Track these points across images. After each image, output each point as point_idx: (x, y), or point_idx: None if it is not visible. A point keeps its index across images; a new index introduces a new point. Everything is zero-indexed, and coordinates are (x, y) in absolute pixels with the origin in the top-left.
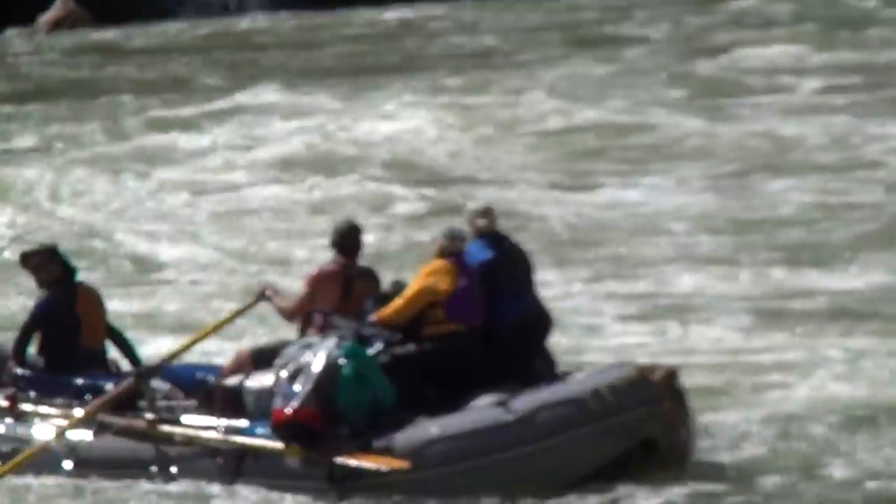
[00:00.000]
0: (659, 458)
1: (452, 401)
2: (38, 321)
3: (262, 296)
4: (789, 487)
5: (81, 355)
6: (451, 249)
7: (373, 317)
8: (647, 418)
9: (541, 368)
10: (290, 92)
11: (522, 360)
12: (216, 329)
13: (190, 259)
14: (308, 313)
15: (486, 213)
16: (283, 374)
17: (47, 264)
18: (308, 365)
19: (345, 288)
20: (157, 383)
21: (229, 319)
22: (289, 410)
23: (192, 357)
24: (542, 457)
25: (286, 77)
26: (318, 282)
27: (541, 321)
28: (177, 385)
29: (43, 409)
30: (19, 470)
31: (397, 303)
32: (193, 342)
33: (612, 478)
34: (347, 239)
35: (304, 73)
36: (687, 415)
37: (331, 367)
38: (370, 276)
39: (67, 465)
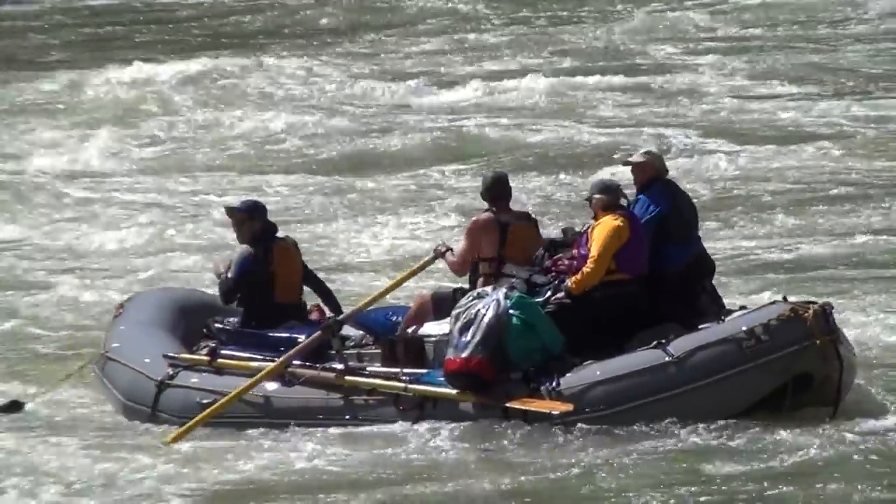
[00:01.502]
0: (813, 393)
1: (618, 345)
2: (239, 278)
3: (439, 253)
4: None
5: (277, 310)
6: (613, 203)
7: (572, 285)
8: (801, 355)
9: (707, 309)
10: None
11: (685, 303)
12: (397, 285)
13: None
14: (474, 264)
15: (656, 159)
16: (457, 324)
17: (248, 221)
18: (479, 316)
19: (502, 233)
20: (350, 330)
21: (409, 276)
22: (460, 360)
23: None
24: (699, 396)
25: None
26: (476, 231)
27: (704, 267)
28: (367, 330)
29: (240, 362)
30: (213, 419)
31: (590, 268)
32: (376, 298)
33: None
34: (496, 188)
35: None
36: (841, 350)
37: (500, 318)
38: (527, 219)
39: (263, 415)
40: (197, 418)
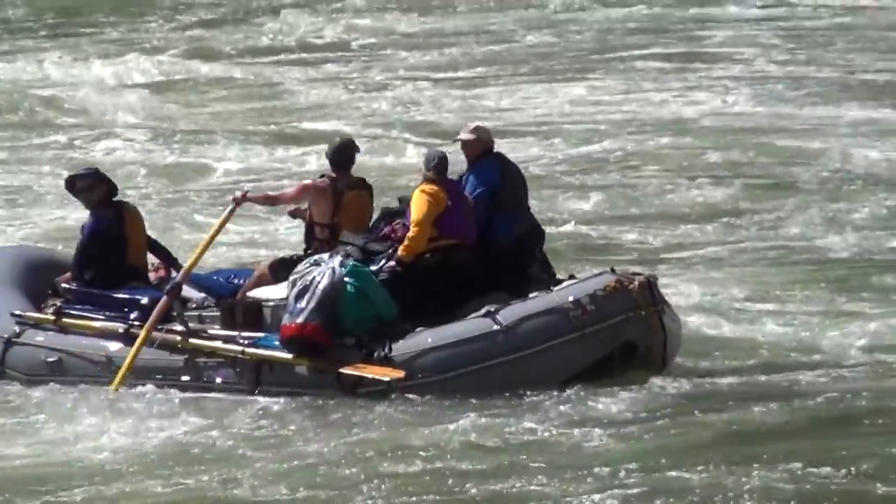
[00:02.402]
0: (639, 361)
1: (450, 313)
2: (93, 240)
3: (237, 200)
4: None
5: (127, 271)
6: (433, 175)
7: (402, 252)
8: (626, 324)
9: (538, 277)
10: None
11: (516, 272)
12: (211, 241)
13: None
14: (309, 228)
15: (482, 132)
16: (294, 290)
17: (96, 186)
18: (314, 283)
19: (336, 200)
20: (193, 293)
21: (218, 230)
22: (295, 325)
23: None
24: (527, 363)
25: None
26: (306, 191)
27: (534, 236)
28: (209, 292)
29: (83, 322)
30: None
31: (412, 234)
32: (199, 255)
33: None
34: (342, 153)
35: None
36: (665, 320)
37: (335, 286)
38: (363, 187)
39: (101, 371)
40: None
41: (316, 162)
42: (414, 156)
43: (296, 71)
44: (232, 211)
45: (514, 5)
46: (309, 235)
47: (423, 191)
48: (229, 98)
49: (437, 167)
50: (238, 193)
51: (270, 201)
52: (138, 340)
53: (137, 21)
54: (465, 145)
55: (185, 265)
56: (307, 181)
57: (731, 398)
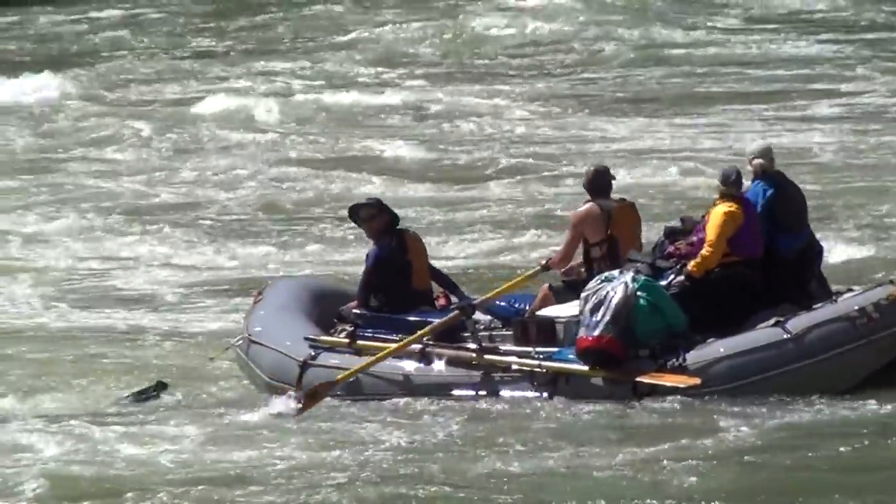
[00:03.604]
0: None
1: (737, 324)
2: (378, 267)
3: (544, 267)
4: None
5: (413, 296)
6: (728, 191)
7: (693, 268)
8: None
9: (816, 293)
10: None
11: (797, 287)
12: (512, 287)
13: None
14: (586, 251)
15: (765, 153)
16: (587, 305)
17: (378, 215)
18: (608, 297)
19: (606, 217)
20: (478, 315)
21: (521, 282)
22: (591, 338)
23: None
24: (816, 370)
25: None
26: (578, 221)
27: (813, 252)
28: (494, 315)
29: (378, 343)
30: (355, 397)
31: (708, 251)
32: (501, 291)
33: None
34: (597, 180)
35: None
36: None
37: (628, 300)
38: (626, 203)
39: (399, 391)
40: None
41: None
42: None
43: None
44: (536, 272)
45: None
46: (587, 257)
47: (723, 210)
48: None
49: (735, 183)
50: (543, 262)
51: (563, 261)
52: (402, 342)
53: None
54: (754, 164)
55: (487, 295)
56: (573, 215)
57: None
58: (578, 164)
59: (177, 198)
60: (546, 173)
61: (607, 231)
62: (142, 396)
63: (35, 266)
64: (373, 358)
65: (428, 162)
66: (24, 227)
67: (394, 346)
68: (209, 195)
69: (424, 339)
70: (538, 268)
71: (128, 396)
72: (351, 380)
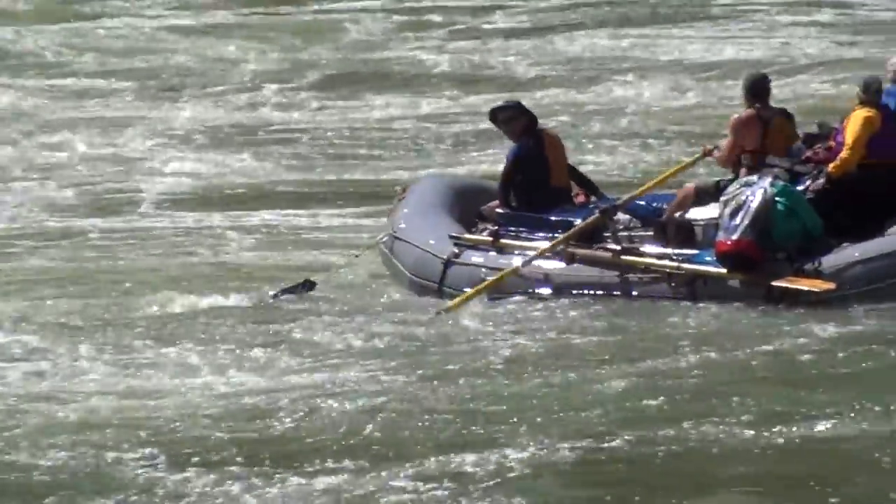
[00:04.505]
0: None
1: (874, 229)
2: (517, 166)
3: (706, 151)
4: None
5: (552, 193)
6: (868, 98)
7: (832, 170)
8: None
9: None
10: None
11: None
12: (669, 177)
13: None
14: (738, 156)
15: None
16: (726, 209)
17: (517, 117)
18: (747, 202)
19: (763, 127)
20: (619, 215)
21: (679, 170)
22: (730, 242)
23: None
24: None
25: None
26: (738, 126)
27: None
28: (635, 216)
29: (521, 242)
30: (496, 292)
31: (847, 153)
32: (649, 188)
33: None
34: (757, 86)
35: None
36: None
37: (766, 204)
38: (785, 115)
39: (541, 290)
40: (474, 290)
41: None
42: None
43: None
44: (698, 159)
45: None
46: (736, 162)
47: (861, 115)
48: None
49: (876, 92)
50: (708, 145)
51: (723, 162)
52: (538, 251)
53: None
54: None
55: (633, 193)
56: (733, 119)
57: None
58: None
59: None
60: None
61: (763, 141)
62: (289, 293)
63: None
64: (517, 265)
65: None
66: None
67: (539, 247)
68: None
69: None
70: (701, 154)
71: (276, 293)
72: (491, 277)
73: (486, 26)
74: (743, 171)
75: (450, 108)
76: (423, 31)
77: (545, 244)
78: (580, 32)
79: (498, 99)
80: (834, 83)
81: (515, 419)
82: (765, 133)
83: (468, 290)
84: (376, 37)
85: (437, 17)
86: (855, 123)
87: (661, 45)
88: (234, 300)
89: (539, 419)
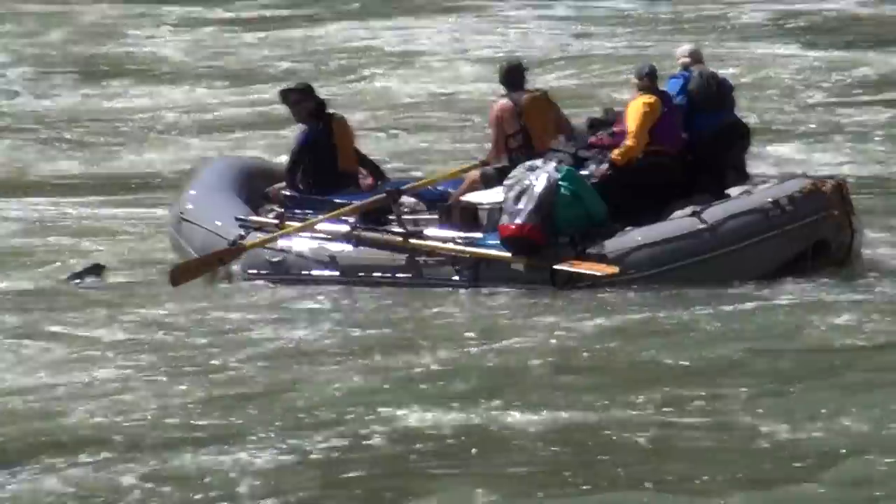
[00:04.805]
0: (829, 257)
1: (655, 214)
2: (304, 149)
3: (483, 163)
4: None
5: (339, 177)
6: (645, 85)
7: (616, 157)
8: (820, 223)
9: (734, 182)
10: None
11: (716, 174)
12: (449, 177)
13: None
14: (505, 143)
15: (693, 53)
16: (511, 193)
17: (305, 100)
18: (531, 186)
19: (517, 109)
20: (405, 199)
21: (458, 173)
22: (514, 226)
23: None
24: (730, 259)
25: None
26: (495, 117)
27: (734, 136)
28: (421, 200)
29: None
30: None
31: (632, 141)
32: (432, 181)
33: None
34: (513, 73)
35: None
36: (854, 220)
37: (550, 189)
38: (542, 95)
39: (326, 272)
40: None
41: None
42: None
43: None
44: (472, 167)
45: None
46: (506, 148)
47: (641, 102)
48: None
49: (649, 76)
50: (482, 159)
51: (495, 156)
52: (330, 213)
53: None
54: (680, 63)
55: (411, 184)
56: (490, 113)
57: None
58: None
59: None
60: None
61: (520, 123)
62: (77, 278)
63: None
64: (295, 226)
65: None
66: None
67: (318, 218)
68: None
69: (352, 221)
70: (477, 163)
71: (69, 277)
72: (277, 259)
73: (227, 14)
74: (514, 153)
75: (190, 97)
76: (160, 20)
77: (331, 226)
78: (321, 23)
79: (239, 90)
80: (575, 76)
81: (265, 413)
82: (525, 116)
83: (257, 274)
84: (111, 23)
85: (173, 7)
86: (636, 111)
87: (403, 36)
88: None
89: (289, 414)
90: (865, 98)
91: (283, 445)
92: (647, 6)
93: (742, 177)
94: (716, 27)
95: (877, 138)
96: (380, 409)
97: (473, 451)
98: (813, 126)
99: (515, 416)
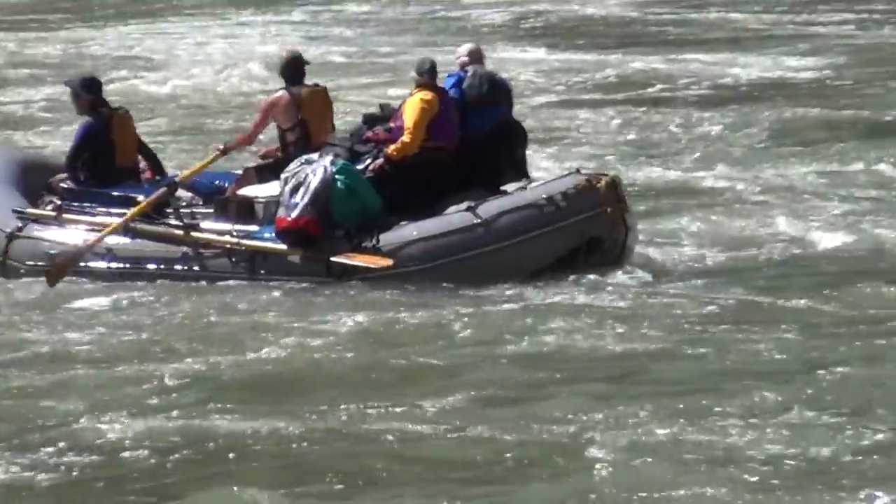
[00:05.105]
0: (603, 253)
1: (431, 208)
2: (84, 142)
3: (223, 152)
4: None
5: (118, 172)
6: (424, 81)
7: (393, 152)
8: (594, 220)
9: (512, 179)
10: None
11: (492, 170)
12: (203, 167)
13: None
14: (281, 136)
15: (472, 52)
16: (287, 186)
17: (81, 94)
18: (307, 180)
19: (296, 102)
20: (181, 192)
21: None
22: (290, 219)
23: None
24: (504, 254)
25: None
26: (268, 107)
27: (511, 135)
28: (198, 193)
29: (84, 217)
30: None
31: (409, 138)
32: (196, 171)
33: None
34: (292, 65)
35: None
36: (627, 217)
37: (326, 182)
38: (319, 89)
39: (104, 265)
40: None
41: None
42: None
43: None
44: (215, 159)
45: None
46: (283, 142)
47: (419, 98)
48: None
49: (429, 72)
50: (221, 146)
51: (247, 141)
52: (108, 228)
53: None
54: (459, 62)
55: (181, 174)
56: (265, 101)
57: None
58: None
59: None
60: None
61: (298, 116)
62: None
63: None
64: (101, 233)
65: None
66: None
67: (103, 222)
68: None
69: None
70: (217, 153)
71: None
72: (56, 252)
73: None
74: (291, 148)
75: None
76: None
77: (109, 219)
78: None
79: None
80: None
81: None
82: (303, 110)
83: (35, 265)
84: None
85: None
86: (413, 107)
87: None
88: None
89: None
90: (600, 97)
91: (21, 459)
92: (383, 7)
93: (522, 175)
94: (459, 28)
95: (620, 139)
96: (122, 419)
97: (231, 455)
98: (560, 125)
99: (277, 419)
